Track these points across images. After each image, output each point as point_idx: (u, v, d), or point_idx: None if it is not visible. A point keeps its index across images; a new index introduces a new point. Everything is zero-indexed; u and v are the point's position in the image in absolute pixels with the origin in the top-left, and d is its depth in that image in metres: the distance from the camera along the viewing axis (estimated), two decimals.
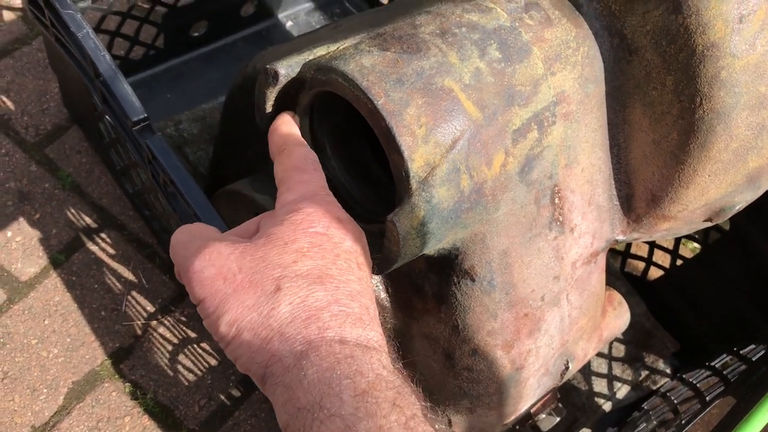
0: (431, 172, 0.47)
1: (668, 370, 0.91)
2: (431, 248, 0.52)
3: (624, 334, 0.93)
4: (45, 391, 0.78)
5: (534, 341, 0.60)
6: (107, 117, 0.74)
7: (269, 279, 0.41)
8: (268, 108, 0.54)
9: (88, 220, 0.89)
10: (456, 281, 0.56)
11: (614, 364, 0.91)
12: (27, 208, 0.88)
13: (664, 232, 0.63)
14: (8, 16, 1.02)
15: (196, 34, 1.01)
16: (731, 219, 0.82)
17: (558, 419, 0.70)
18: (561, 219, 0.58)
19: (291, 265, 0.41)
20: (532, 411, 0.69)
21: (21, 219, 0.87)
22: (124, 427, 0.77)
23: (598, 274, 0.64)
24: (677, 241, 0.92)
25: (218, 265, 0.41)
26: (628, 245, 0.98)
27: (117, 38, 0.93)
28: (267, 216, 0.46)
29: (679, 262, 0.92)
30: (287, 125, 0.51)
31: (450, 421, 0.65)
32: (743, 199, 0.61)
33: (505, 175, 0.52)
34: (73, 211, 0.89)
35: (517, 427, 0.69)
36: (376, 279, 0.62)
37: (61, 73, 0.87)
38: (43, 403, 0.77)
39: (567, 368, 0.67)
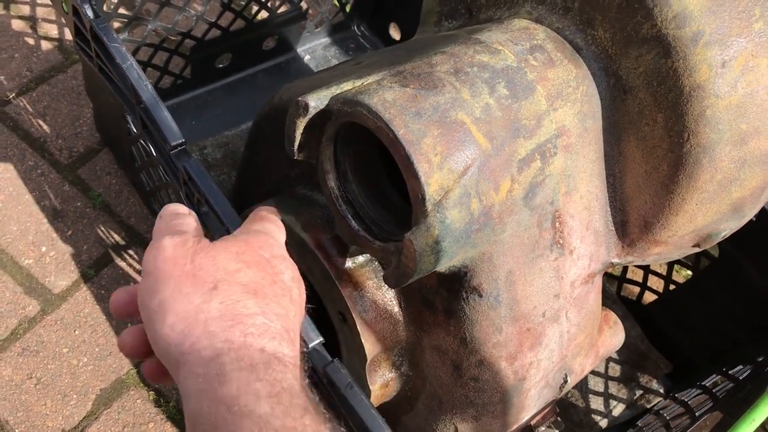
0: (445, 196, 0.51)
1: (661, 390, 0.93)
2: (443, 265, 0.55)
3: (620, 355, 0.96)
4: (75, 396, 0.81)
5: (535, 354, 0.63)
6: (142, 141, 0.79)
7: (211, 277, 0.43)
8: (298, 136, 0.58)
9: (116, 237, 0.92)
10: (465, 296, 0.59)
11: (610, 384, 0.93)
12: (60, 225, 0.92)
13: (656, 256, 0.66)
14: (46, 45, 1.07)
15: (220, 66, 1.05)
16: (720, 247, 0.85)
17: None
18: (561, 242, 0.61)
19: (234, 272, 0.44)
20: (532, 423, 0.70)
21: (54, 235, 0.91)
22: None
23: (595, 294, 0.67)
24: (670, 267, 0.94)
25: (178, 251, 0.44)
26: (624, 271, 1.00)
27: (148, 68, 0.97)
28: (231, 234, 0.51)
29: (672, 287, 0.94)
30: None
31: (456, 429, 0.69)
32: (728, 227, 0.64)
33: (511, 199, 0.55)
34: (103, 228, 0.93)
35: None
36: (391, 293, 0.66)
37: (97, 99, 0.92)
38: (73, 408, 0.81)
39: (566, 381, 0.70)
